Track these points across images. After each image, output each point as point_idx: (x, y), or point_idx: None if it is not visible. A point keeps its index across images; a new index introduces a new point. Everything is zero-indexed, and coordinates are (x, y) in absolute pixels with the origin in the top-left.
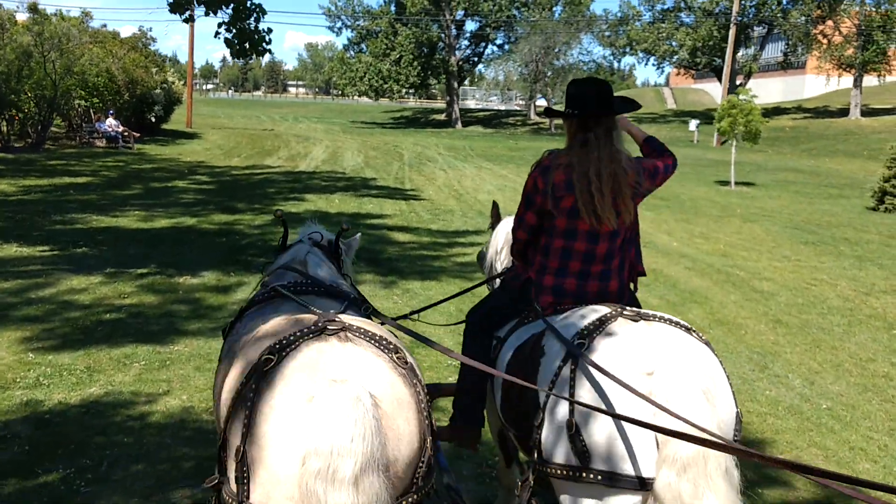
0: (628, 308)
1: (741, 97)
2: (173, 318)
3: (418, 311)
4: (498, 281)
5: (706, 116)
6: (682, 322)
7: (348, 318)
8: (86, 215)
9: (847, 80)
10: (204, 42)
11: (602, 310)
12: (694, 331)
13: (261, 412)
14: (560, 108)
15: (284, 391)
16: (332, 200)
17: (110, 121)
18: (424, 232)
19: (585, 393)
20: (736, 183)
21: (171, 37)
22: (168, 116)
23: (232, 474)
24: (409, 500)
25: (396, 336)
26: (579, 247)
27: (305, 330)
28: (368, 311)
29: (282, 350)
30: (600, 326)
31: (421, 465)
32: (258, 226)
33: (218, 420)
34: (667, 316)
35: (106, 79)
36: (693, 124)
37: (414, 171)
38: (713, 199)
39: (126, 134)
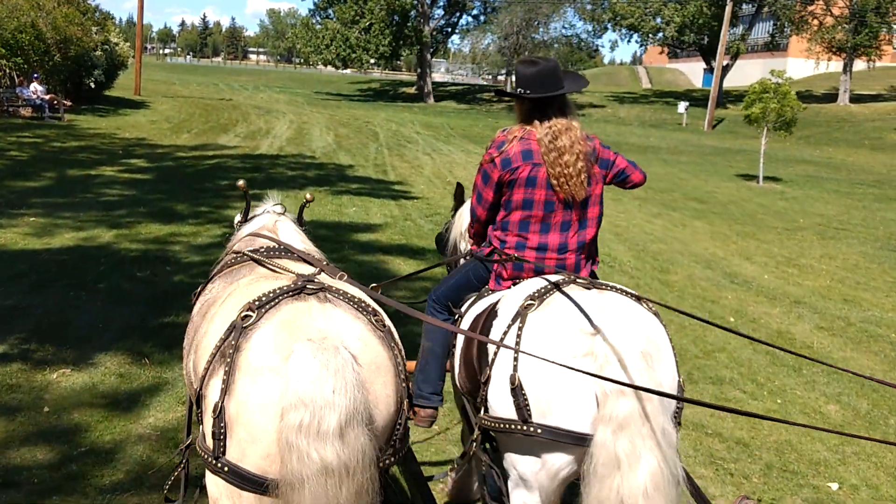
0: (582, 277)
1: (774, 79)
2: None
3: (388, 282)
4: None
5: (688, 98)
6: (634, 292)
7: (328, 280)
8: None
9: (830, 65)
10: (163, 4)
11: (556, 277)
12: (644, 300)
13: (239, 368)
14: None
15: (264, 347)
16: (302, 200)
17: (35, 86)
18: (432, 254)
19: (530, 348)
20: (764, 178)
21: None
22: (111, 82)
23: (209, 430)
24: (387, 461)
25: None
26: (536, 216)
27: (285, 288)
28: (343, 276)
29: (261, 307)
30: (552, 290)
31: (398, 427)
32: (201, 247)
33: (190, 379)
34: (619, 286)
35: (31, 36)
36: (682, 106)
37: (395, 156)
38: (754, 200)
39: (55, 102)
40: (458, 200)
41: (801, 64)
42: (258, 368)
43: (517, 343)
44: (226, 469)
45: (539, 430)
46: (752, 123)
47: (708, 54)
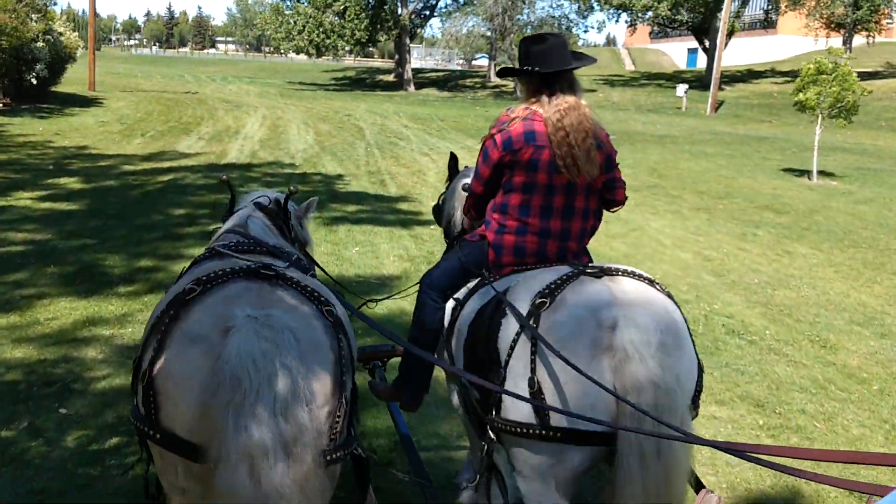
0: (591, 265)
1: (833, 58)
2: None
3: (377, 300)
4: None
5: (679, 79)
6: (645, 274)
7: (286, 269)
8: None
9: (819, 42)
10: None
11: (564, 269)
12: (657, 283)
13: (172, 338)
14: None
15: (200, 319)
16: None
17: None
18: None
19: (547, 356)
20: (819, 173)
21: None
22: (57, 77)
23: (140, 398)
24: (330, 456)
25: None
26: (536, 201)
27: (237, 268)
28: (312, 273)
29: (208, 283)
30: (563, 284)
31: (338, 418)
32: (129, 349)
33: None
34: (630, 269)
35: None
36: (681, 90)
37: (388, 158)
38: (831, 206)
39: None
40: (453, 171)
41: (792, 41)
42: (192, 339)
43: (533, 345)
44: (158, 437)
45: (560, 434)
46: (805, 110)
47: (700, 33)
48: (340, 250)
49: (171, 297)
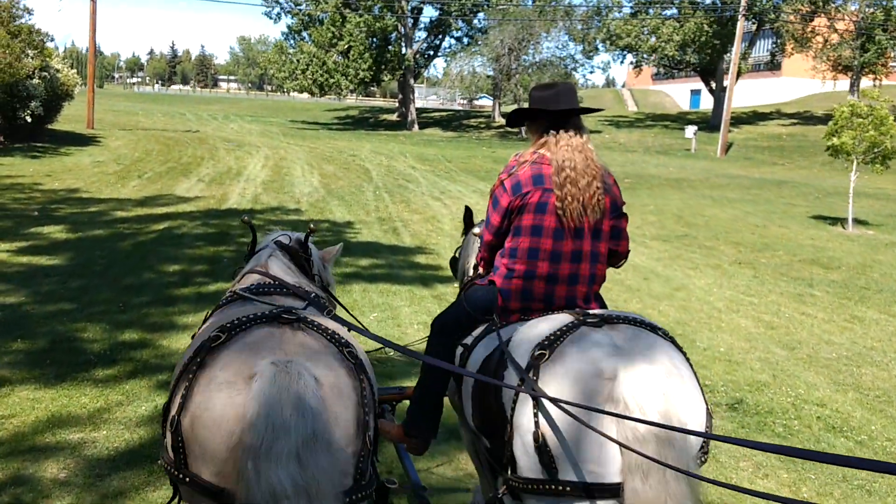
0: (591, 313)
1: (867, 101)
2: None
3: (390, 346)
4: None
5: (683, 120)
6: (647, 321)
7: (307, 313)
8: None
9: (825, 84)
10: (125, 32)
11: (565, 318)
12: (660, 329)
13: (199, 384)
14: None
15: (227, 366)
16: None
17: None
18: None
19: (548, 410)
20: (854, 221)
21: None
22: (53, 115)
23: (168, 442)
24: (355, 496)
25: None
26: (546, 244)
27: (259, 315)
28: (330, 313)
29: (232, 329)
30: (562, 336)
31: (362, 458)
32: (99, 471)
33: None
34: (631, 316)
35: None
36: (690, 131)
37: (398, 203)
38: (883, 261)
39: None
40: (468, 224)
41: (797, 83)
42: (217, 385)
43: (535, 398)
44: (187, 480)
45: (569, 489)
46: (837, 155)
47: (706, 75)
48: (358, 316)
49: (198, 343)
